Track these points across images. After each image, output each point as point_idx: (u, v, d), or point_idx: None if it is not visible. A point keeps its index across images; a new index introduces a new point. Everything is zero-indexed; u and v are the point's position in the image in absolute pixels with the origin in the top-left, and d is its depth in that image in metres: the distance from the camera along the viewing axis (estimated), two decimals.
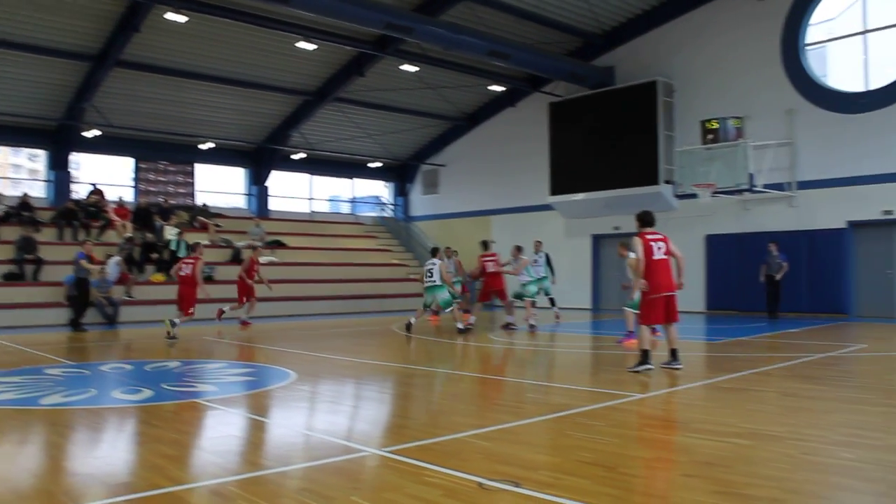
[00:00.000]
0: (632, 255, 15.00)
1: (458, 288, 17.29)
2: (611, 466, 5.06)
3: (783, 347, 13.12)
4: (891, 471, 4.93)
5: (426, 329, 16.50)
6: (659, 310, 9.60)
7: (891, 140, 18.79)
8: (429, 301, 16.05)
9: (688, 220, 21.98)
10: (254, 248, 19.75)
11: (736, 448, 5.52)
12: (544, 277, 18.03)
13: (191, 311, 15.36)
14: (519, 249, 17.54)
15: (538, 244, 18.42)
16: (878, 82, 19.41)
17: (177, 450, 5.75)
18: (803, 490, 4.55)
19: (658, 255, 9.65)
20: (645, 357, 9.47)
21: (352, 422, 7.21)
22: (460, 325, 15.78)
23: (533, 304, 17.61)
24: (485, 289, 17.53)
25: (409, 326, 15.82)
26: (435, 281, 15.87)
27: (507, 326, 16.79)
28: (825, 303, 19.67)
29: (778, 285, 18.92)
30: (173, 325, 14.75)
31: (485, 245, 17.81)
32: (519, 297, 17.40)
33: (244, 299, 18.09)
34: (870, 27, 19.79)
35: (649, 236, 9.76)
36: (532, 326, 16.41)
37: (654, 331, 11.08)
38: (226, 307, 17.95)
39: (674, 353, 9.65)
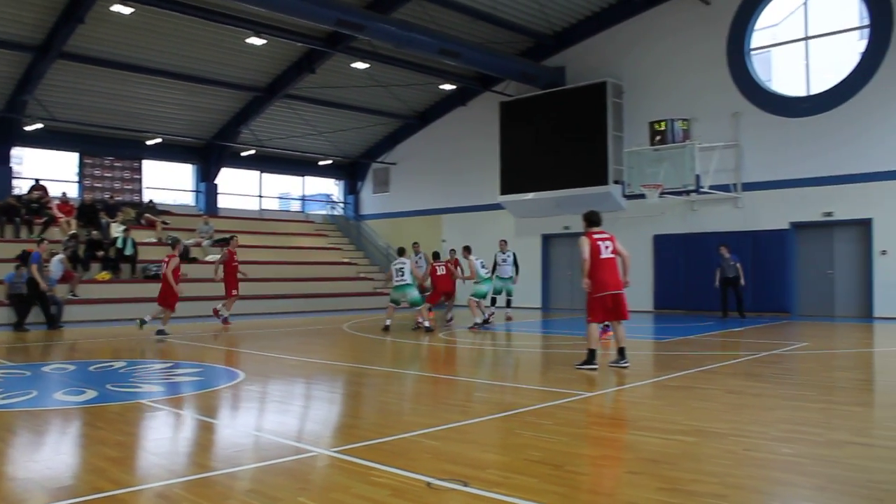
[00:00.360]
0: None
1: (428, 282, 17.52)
2: (558, 465, 5.10)
3: (728, 346, 13.37)
4: (828, 465, 5.06)
5: (377, 328, 16.45)
6: (606, 308, 9.75)
7: (830, 143, 19.29)
8: (396, 297, 16.23)
9: (636, 220, 22.28)
10: (231, 238, 19.39)
11: (681, 445, 5.62)
12: (510, 277, 18.14)
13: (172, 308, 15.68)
14: (468, 250, 17.60)
15: (503, 243, 18.49)
16: (819, 87, 19.91)
17: (121, 452, 5.65)
18: (745, 486, 4.64)
19: (605, 254, 9.78)
20: (591, 356, 9.62)
21: (300, 422, 7.16)
22: (427, 324, 15.90)
23: (493, 303, 17.75)
24: (435, 291, 17.64)
25: (386, 328, 15.92)
26: (405, 280, 16.09)
27: (474, 326, 16.65)
28: (769, 302, 20.10)
29: (739, 287, 19.10)
30: (143, 323, 15.62)
31: (435, 256, 18.48)
32: (481, 296, 17.12)
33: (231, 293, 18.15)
34: (811, 34, 20.29)
35: (596, 236, 9.91)
36: (477, 325, 16.46)
37: (605, 329, 11.20)
38: (218, 306, 18.04)
39: (621, 352, 9.80)
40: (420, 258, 19.62)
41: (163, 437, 6.41)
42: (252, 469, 5.18)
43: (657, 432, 6.06)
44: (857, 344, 13.70)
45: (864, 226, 19.09)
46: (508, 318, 18.21)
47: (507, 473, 4.90)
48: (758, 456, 5.36)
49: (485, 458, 5.40)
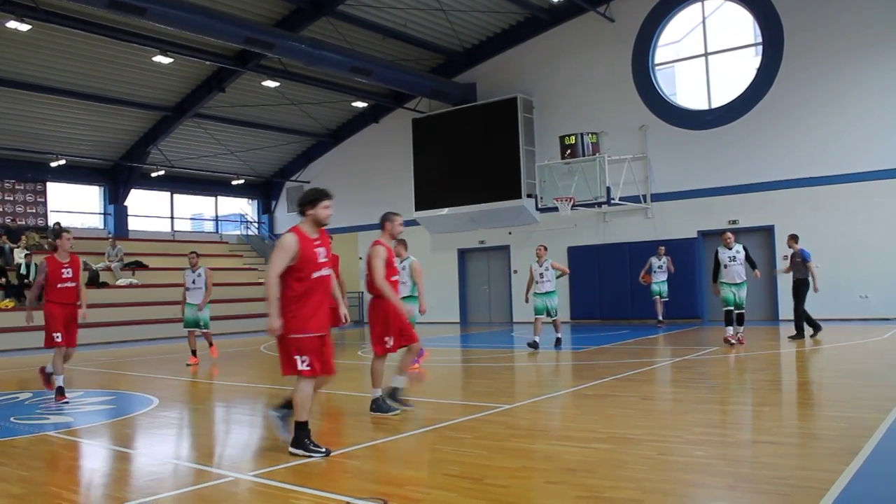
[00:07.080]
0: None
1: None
2: (478, 478, 5.12)
3: (643, 353, 13.65)
4: (737, 465, 5.22)
5: None
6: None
7: (733, 155, 20.02)
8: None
9: (550, 232, 22.61)
10: None
11: (598, 453, 5.70)
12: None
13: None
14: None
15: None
16: (720, 101, 20.65)
17: (26, 488, 5.39)
18: (660, 489, 4.74)
19: (64, 281, 8.83)
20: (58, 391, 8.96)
21: (217, 446, 7.00)
22: None
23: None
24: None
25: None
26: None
27: None
28: (681, 308, 20.60)
29: None
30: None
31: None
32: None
33: None
34: (710, 50, 21.05)
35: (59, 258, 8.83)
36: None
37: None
38: None
39: (59, 391, 8.79)
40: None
41: (72, 470, 6.17)
42: (170, 497, 5.03)
43: (575, 441, 6.14)
44: (765, 346, 14.15)
45: (767, 232, 19.83)
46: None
47: (426, 489, 4.89)
48: (672, 459, 5.49)
49: (405, 474, 5.38)
